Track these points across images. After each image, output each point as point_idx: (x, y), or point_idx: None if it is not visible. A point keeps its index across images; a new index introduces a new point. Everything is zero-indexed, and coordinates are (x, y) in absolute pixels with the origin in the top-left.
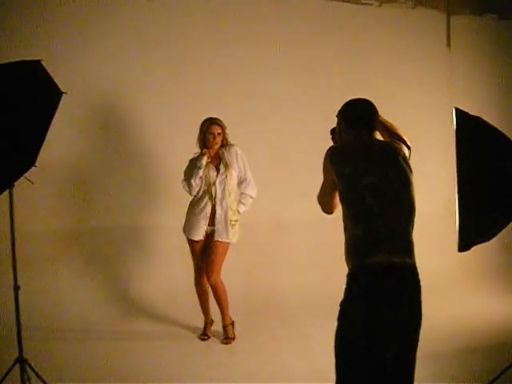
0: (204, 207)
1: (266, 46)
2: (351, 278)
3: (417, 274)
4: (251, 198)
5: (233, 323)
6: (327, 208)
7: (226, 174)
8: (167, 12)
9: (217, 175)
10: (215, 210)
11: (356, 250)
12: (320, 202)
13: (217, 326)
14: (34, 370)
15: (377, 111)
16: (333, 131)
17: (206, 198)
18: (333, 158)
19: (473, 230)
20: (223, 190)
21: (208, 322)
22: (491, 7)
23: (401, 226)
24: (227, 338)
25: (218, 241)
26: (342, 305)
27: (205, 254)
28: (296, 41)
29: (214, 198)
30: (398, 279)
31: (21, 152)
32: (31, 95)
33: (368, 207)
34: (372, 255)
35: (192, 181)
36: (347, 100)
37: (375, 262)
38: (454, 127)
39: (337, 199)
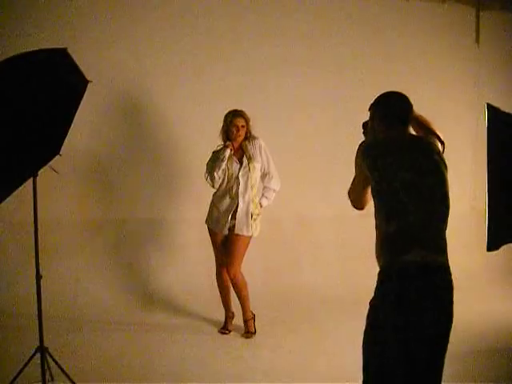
0: (227, 200)
1: (289, 41)
2: (383, 276)
3: (450, 274)
4: (274, 191)
5: (254, 317)
6: (358, 204)
7: (248, 167)
8: (194, 4)
9: (240, 168)
10: (238, 203)
11: (388, 247)
12: (351, 198)
13: (237, 320)
14: (54, 360)
15: (411, 105)
16: (365, 125)
17: (229, 191)
18: (366, 153)
19: (502, 229)
20: (246, 183)
21: (229, 316)
22: None
23: (435, 224)
24: (248, 333)
25: (238, 234)
26: (372, 303)
27: (225, 247)
28: (321, 36)
29: (237, 191)
30: (431, 279)
31: (46, 140)
32: (57, 83)
33: (402, 204)
34: (405, 253)
35: (215, 173)
36: (381, 93)
37: (408, 261)
38: (486, 123)
39: (368, 195)
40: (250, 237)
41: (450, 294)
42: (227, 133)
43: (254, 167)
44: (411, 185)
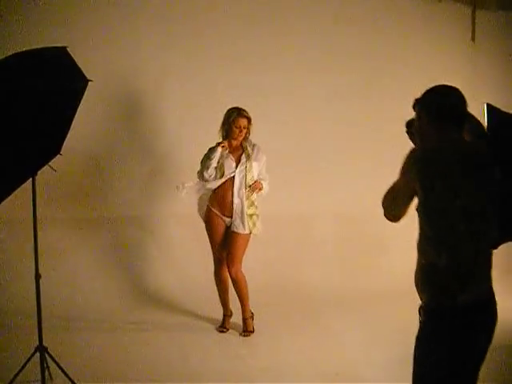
0: (223, 197)
1: (287, 40)
2: (432, 313)
3: (496, 304)
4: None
5: (253, 316)
6: (395, 217)
7: (246, 165)
8: (191, 3)
9: (236, 166)
10: (233, 200)
11: (437, 282)
12: (387, 208)
13: (236, 319)
14: (53, 359)
15: (466, 102)
16: (409, 124)
17: (225, 188)
18: (420, 168)
19: (501, 228)
20: (241, 182)
21: (227, 314)
22: None
23: (488, 253)
24: (246, 331)
25: (234, 232)
26: (421, 339)
27: (224, 246)
28: (318, 33)
29: (232, 189)
30: (485, 316)
31: (47, 139)
32: (58, 82)
33: (457, 233)
34: (458, 292)
35: (205, 172)
36: (430, 87)
37: (462, 300)
38: (485, 123)
39: (409, 208)
40: (249, 234)
41: (496, 323)
42: (228, 131)
43: (252, 166)
44: (471, 212)
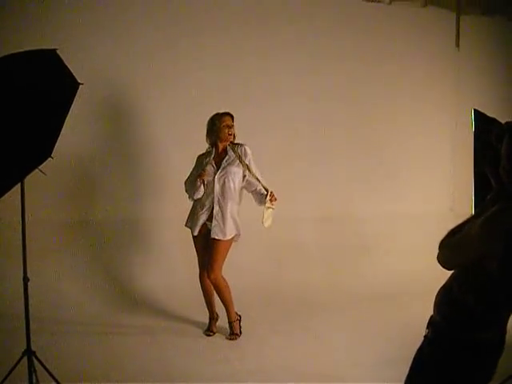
0: (204, 203)
1: (276, 44)
2: (450, 343)
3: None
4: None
5: (239, 319)
6: (452, 266)
7: (226, 170)
8: (181, 7)
9: (216, 172)
10: (213, 206)
11: (469, 322)
12: (446, 254)
13: (222, 322)
14: (41, 363)
15: None
16: (484, 155)
17: (207, 194)
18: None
19: None
20: (222, 188)
21: (213, 318)
22: (501, 8)
23: None
24: (233, 334)
25: (214, 238)
26: (426, 361)
27: (206, 251)
28: (306, 38)
29: (212, 196)
30: (500, 351)
31: (37, 143)
32: (48, 85)
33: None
34: (485, 330)
35: (194, 196)
36: None
37: (488, 337)
38: (473, 128)
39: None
40: (229, 241)
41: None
42: (216, 132)
43: (233, 172)
44: None
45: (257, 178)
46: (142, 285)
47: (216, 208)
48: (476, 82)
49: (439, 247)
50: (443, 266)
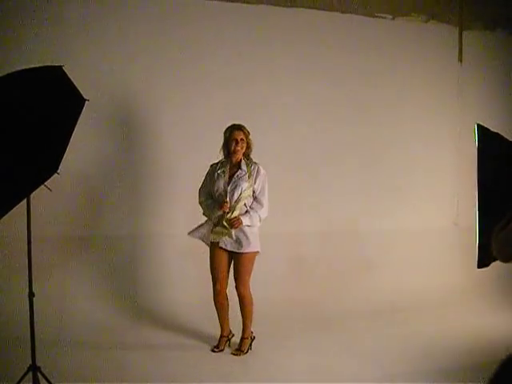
0: (215, 214)
1: (282, 57)
2: None
3: None
4: (260, 218)
5: (252, 339)
6: (506, 259)
7: (236, 184)
8: (186, 19)
9: (228, 183)
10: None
11: None
12: (497, 249)
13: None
14: (46, 378)
15: None
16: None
17: (217, 206)
18: None
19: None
20: (233, 199)
21: (223, 335)
22: (503, 22)
23: None
24: (238, 350)
25: (235, 252)
26: None
27: (220, 266)
28: (310, 53)
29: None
30: None
31: (44, 159)
32: (54, 101)
33: None
34: None
35: (206, 215)
36: None
37: None
38: (476, 143)
39: None
40: (251, 253)
41: None
42: (227, 147)
43: (243, 188)
44: None
45: (259, 200)
46: (148, 300)
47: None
48: (479, 96)
49: (492, 242)
50: (503, 260)
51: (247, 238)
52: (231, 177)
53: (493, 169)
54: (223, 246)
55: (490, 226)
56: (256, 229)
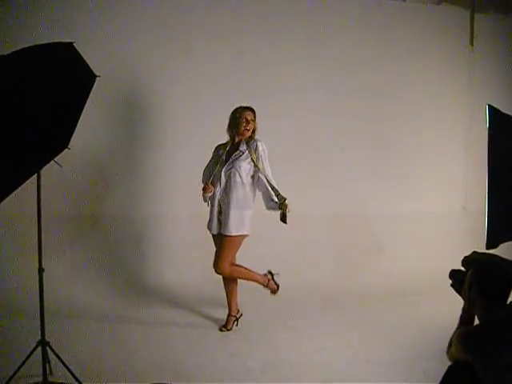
0: (214, 199)
1: (289, 42)
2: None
3: None
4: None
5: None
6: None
7: (232, 165)
8: (194, 4)
9: (224, 165)
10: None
11: None
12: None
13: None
14: (55, 353)
15: None
16: (453, 274)
17: (216, 189)
18: (470, 349)
19: (501, 227)
20: (227, 182)
21: (231, 314)
22: None
23: None
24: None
25: (219, 233)
26: None
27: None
28: (319, 36)
29: (220, 191)
30: None
31: (53, 135)
32: (66, 77)
33: None
34: None
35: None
36: (481, 264)
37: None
38: (487, 124)
39: None
40: (237, 237)
41: None
42: (236, 127)
43: (241, 167)
44: None
45: (266, 177)
46: (155, 278)
47: (222, 203)
48: (490, 79)
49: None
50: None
51: (228, 221)
52: (228, 157)
53: (504, 150)
54: (210, 231)
55: (499, 208)
56: (247, 212)
